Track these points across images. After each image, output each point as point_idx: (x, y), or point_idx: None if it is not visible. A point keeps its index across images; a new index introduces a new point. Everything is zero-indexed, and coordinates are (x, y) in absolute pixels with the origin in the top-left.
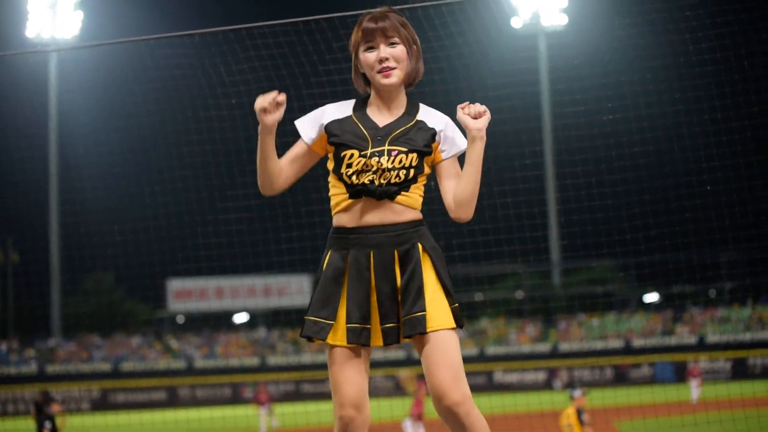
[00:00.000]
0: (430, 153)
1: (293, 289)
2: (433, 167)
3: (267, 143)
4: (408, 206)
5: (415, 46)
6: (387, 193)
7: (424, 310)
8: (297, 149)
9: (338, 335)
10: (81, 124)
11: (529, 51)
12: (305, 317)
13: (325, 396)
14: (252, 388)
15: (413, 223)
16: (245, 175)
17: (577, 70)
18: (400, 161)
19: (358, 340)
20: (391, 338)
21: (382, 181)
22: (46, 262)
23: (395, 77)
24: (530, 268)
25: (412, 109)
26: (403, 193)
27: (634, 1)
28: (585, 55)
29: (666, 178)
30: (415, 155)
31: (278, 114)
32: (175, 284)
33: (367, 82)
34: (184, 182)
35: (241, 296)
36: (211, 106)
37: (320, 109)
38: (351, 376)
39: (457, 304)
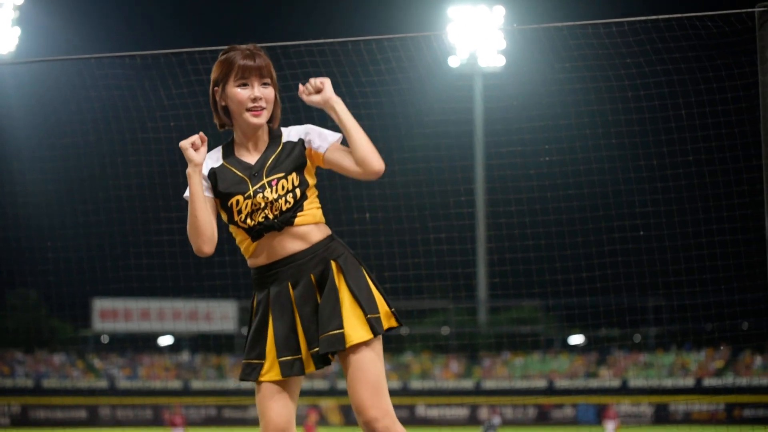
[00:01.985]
0: (305, 163)
1: (219, 315)
2: (320, 170)
3: (198, 183)
4: (310, 224)
5: (276, 91)
6: (283, 221)
7: (341, 328)
8: (211, 202)
9: (270, 371)
10: (15, 140)
11: (466, 90)
12: (242, 361)
13: (248, 422)
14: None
15: (322, 243)
16: (179, 199)
17: (513, 111)
18: (283, 187)
19: (292, 371)
20: (321, 361)
21: (275, 212)
22: None
23: (263, 117)
24: (457, 304)
25: (275, 138)
26: (298, 214)
27: (575, 45)
28: (522, 97)
29: (599, 221)
30: (294, 175)
31: (203, 152)
32: (100, 304)
33: (226, 115)
34: (118, 202)
35: (167, 319)
36: (149, 129)
37: None
38: (277, 408)
39: (378, 313)
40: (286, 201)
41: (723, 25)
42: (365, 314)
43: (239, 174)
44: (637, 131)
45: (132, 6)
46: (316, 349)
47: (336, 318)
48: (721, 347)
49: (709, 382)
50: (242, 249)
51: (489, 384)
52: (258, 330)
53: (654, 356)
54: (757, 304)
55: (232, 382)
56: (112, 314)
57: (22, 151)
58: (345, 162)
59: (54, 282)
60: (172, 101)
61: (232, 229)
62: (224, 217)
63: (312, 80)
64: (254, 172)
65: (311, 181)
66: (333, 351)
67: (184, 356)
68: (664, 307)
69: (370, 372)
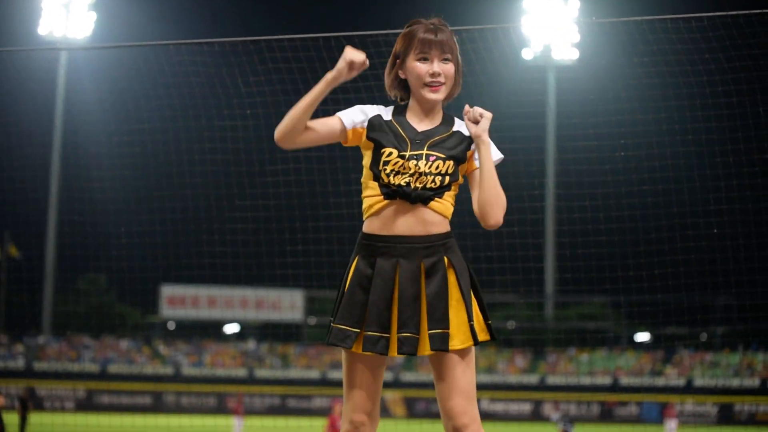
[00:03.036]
0: (465, 161)
1: (286, 304)
2: (466, 177)
3: (324, 91)
4: (440, 213)
5: (458, 67)
6: (422, 197)
7: (448, 328)
8: (330, 121)
9: (356, 343)
10: (89, 125)
11: (539, 83)
12: (331, 324)
13: (312, 412)
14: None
15: (441, 236)
16: (255, 187)
17: (588, 105)
18: (437, 167)
19: (374, 348)
20: (406, 347)
21: (417, 184)
22: (41, 260)
23: (442, 93)
24: (525, 299)
25: (448, 120)
26: (436, 199)
27: (653, 39)
28: (595, 91)
29: (673, 218)
30: (451, 163)
31: (355, 73)
32: (168, 290)
33: (404, 89)
34: (193, 189)
35: (234, 307)
36: (226, 116)
37: (363, 105)
38: (367, 384)
39: (480, 321)
40: (432, 180)
41: None
42: (469, 320)
43: (402, 133)
44: (714, 128)
45: None
46: (406, 334)
47: (446, 317)
48: None
49: None
50: (366, 204)
51: (554, 379)
52: (355, 297)
53: (720, 355)
54: None
55: (297, 372)
56: (180, 301)
57: (98, 137)
58: (476, 194)
59: (125, 268)
60: (250, 89)
61: (366, 177)
62: (367, 161)
63: (477, 108)
64: (417, 139)
65: (460, 179)
66: (440, 350)
67: (250, 344)
68: (732, 306)
69: (465, 379)
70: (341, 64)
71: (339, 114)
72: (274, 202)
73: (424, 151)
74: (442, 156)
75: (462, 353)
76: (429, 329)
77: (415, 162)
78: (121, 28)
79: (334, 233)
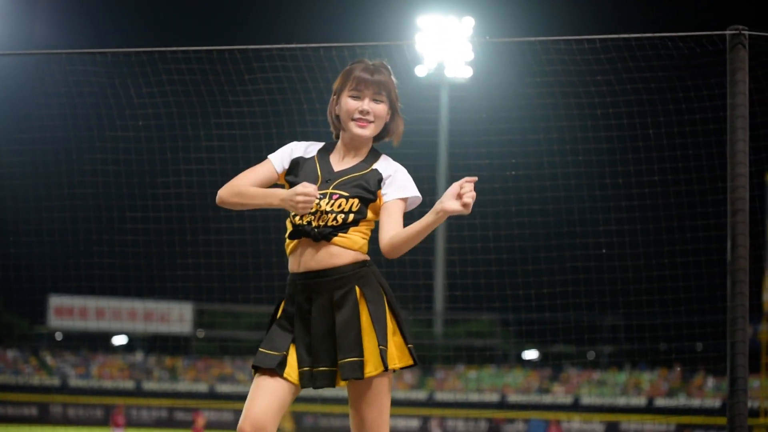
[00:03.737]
0: (374, 200)
1: (175, 317)
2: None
3: (269, 205)
4: (346, 248)
5: (393, 109)
6: (322, 234)
7: (362, 357)
8: (266, 172)
9: (291, 371)
10: None
11: (432, 101)
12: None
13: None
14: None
15: (352, 266)
16: (146, 199)
17: (480, 124)
18: (339, 205)
19: (308, 383)
20: (320, 382)
21: (320, 222)
22: None
23: (369, 131)
24: (413, 315)
25: (371, 158)
26: (340, 234)
27: (546, 60)
28: (488, 109)
29: (562, 237)
30: (356, 201)
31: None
32: (56, 301)
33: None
34: (83, 200)
35: (122, 319)
36: (118, 127)
37: (290, 144)
38: (264, 398)
39: (386, 346)
40: (334, 218)
41: (694, 46)
42: (378, 345)
43: (318, 172)
44: (605, 149)
45: (101, 2)
46: (322, 368)
47: (357, 345)
48: (677, 368)
49: (660, 402)
50: (285, 246)
51: (442, 396)
52: (280, 330)
53: (607, 374)
54: (716, 326)
55: (185, 384)
56: (68, 312)
57: None
58: (385, 223)
59: (12, 277)
60: (142, 100)
61: (287, 220)
62: None
63: (470, 195)
64: (329, 178)
65: (371, 216)
66: (352, 378)
67: (138, 357)
68: (619, 326)
69: (373, 409)
70: (298, 203)
71: (270, 157)
72: (164, 215)
73: (329, 190)
74: (346, 194)
75: (373, 382)
76: (339, 359)
77: (318, 201)
78: (12, 35)
79: (225, 247)
